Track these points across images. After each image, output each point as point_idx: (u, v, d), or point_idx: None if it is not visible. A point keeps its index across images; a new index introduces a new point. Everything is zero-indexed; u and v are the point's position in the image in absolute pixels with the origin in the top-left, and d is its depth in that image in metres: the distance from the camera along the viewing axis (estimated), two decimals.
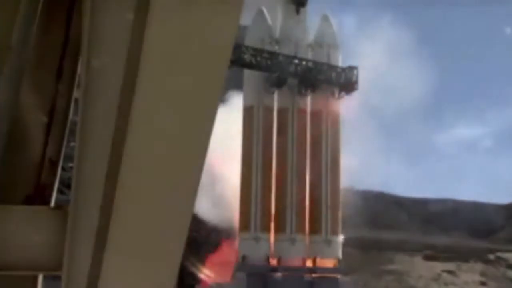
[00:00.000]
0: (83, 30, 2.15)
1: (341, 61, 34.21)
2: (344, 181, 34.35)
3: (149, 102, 1.81)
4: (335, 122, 33.56)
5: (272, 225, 32.26)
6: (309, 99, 33.39)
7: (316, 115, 33.22)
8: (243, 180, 32.80)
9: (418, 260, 49.87)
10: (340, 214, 33.06)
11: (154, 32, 1.68)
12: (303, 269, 32.43)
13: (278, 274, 32.04)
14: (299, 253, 32.22)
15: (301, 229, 32.45)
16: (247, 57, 32.04)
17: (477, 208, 61.84)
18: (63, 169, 3.01)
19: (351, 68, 33.64)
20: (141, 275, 2.15)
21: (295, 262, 32.42)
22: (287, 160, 32.80)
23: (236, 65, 30.63)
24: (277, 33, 33.98)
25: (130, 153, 1.90)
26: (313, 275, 32.38)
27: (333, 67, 33.39)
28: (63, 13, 2.67)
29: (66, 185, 3.50)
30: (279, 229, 32.35)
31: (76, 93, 2.77)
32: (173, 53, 1.74)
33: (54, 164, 2.92)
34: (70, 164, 2.40)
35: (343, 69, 33.55)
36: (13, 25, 2.19)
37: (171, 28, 1.69)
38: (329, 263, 32.37)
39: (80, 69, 2.68)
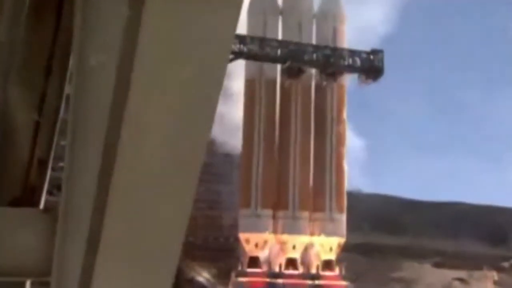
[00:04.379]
0: (74, 26, 2.16)
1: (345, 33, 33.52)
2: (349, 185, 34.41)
3: (144, 100, 1.82)
4: (341, 97, 33.31)
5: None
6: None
7: (321, 90, 32.96)
8: (244, 155, 32.78)
9: (427, 267, 49.80)
10: (344, 191, 32.96)
11: (149, 27, 1.69)
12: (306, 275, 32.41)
13: (280, 281, 32.05)
14: (302, 231, 32.13)
15: (304, 207, 32.35)
16: (252, 47, 31.58)
17: (492, 212, 61.74)
18: (52, 169, 3.01)
19: (376, 52, 32.64)
20: (135, 281, 2.16)
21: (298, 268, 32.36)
22: (290, 136, 32.68)
23: (240, 58, 30.35)
24: (280, 3, 33.45)
25: (124, 152, 1.90)
26: (316, 282, 32.38)
27: (355, 52, 32.52)
28: (52, 8, 2.67)
29: (55, 186, 3.51)
30: (282, 206, 32.26)
31: (67, 90, 2.78)
32: (170, 49, 1.75)
33: (43, 164, 2.93)
34: (60, 164, 2.41)
35: (368, 54, 32.48)
36: None
37: (168, 23, 1.70)
38: (333, 242, 32.16)
39: (71, 65, 2.69)
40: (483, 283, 48.01)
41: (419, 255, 50.09)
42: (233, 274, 33.41)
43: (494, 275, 48.50)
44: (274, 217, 32.49)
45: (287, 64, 31.64)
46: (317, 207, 32.69)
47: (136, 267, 2.14)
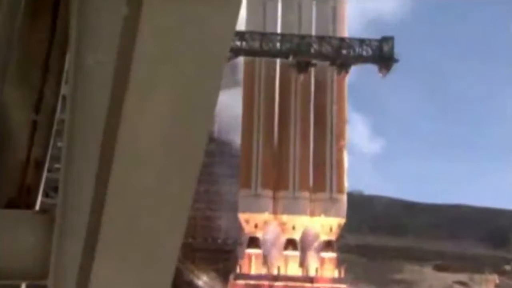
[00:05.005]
0: (71, 25, 2.15)
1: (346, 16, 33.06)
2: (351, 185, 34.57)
3: (141, 99, 1.81)
4: (342, 77, 33.19)
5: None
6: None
7: (322, 70, 32.83)
8: (244, 135, 32.84)
9: (428, 270, 49.84)
10: (345, 172, 32.99)
11: (147, 26, 1.68)
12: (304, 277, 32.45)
13: (279, 284, 32.10)
14: (302, 211, 32.21)
15: (304, 187, 32.41)
16: (251, 44, 31.34)
17: (492, 214, 61.79)
18: (49, 170, 3.00)
19: (386, 40, 31.98)
20: (133, 283, 2.15)
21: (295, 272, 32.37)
22: (290, 116, 32.69)
23: (240, 55, 30.14)
24: None
25: (122, 153, 1.90)
26: (315, 285, 32.43)
27: (364, 41, 31.97)
28: (49, 7, 2.67)
29: (52, 187, 3.50)
30: (282, 186, 32.35)
31: (64, 90, 2.77)
32: (167, 48, 1.74)
33: (39, 165, 2.92)
34: (57, 165, 2.40)
35: (378, 42, 31.78)
36: None
37: (166, 22, 1.69)
38: (333, 222, 32.19)
39: (68, 65, 2.68)
40: (484, 286, 48.03)
41: (420, 257, 50.15)
42: (231, 277, 33.42)
43: (496, 278, 48.51)
44: (274, 197, 32.62)
45: (293, 59, 31.43)
46: (317, 188, 32.79)
47: (134, 268, 2.13)
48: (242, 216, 32.96)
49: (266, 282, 32.32)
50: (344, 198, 33.11)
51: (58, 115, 2.88)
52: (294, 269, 32.72)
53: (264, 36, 31.91)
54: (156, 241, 2.09)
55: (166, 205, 2.04)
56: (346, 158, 33.58)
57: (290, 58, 31.55)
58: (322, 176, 32.81)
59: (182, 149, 1.94)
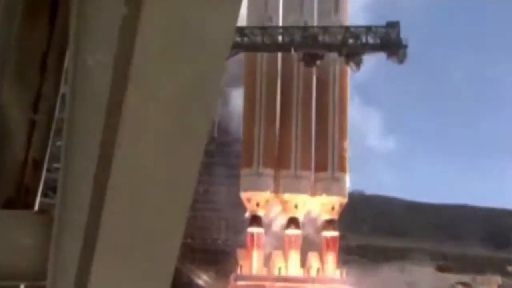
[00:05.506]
0: (70, 22, 2.16)
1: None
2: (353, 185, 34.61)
3: (141, 99, 1.82)
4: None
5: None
6: None
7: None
8: (245, 115, 32.88)
9: (429, 270, 49.83)
10: (347, 151, 32.99)
11: (147, 25, 1.68)
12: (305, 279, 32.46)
13: (279, 285, 32.12)
14: (304, 190, 32.29)
15: (306, 166, 32.48)
16: (253, 39, 31.18)
17: (495, 214, 61.80)
18: (47, 170, 3.01)
19: (392, 25, 31.02)
20: (132, 284, 2.16)
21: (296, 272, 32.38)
22: (292, 95, 32.67)
23: (242, 50, 29.98)
24: None
25: (121, 153, 1.90)
26: (317, 285, 32.45)
27: (370, 28, 31.32)
28: (47, 6, 2.67)
29: (50, 187, 3.50)
30: (283, 165, 32.42)
31: (63, 89, 2.78)
32: (168, 47, 1.75)
33: (38, 164, 2.92)
34: (56, 165, 2.40)
35: (385, 28, 31.13)
36: None
37: (166, 21, 1.70)
38: (335, 202, 32.20)
39: (67, 64, 2.69)
40: (487, 287, 48.01)
41: (421, 258, 50.13)
42: (231, 278, 33.43)
43: (498, 279, 48.51)
44: (275, 176, 32.72)
45: (296, 51, 31.26)
46: (319, 167, 32.85)
47: (133, 269, 2.14)
48: (244, 195, 33.09)
49: (266, 283, 32.33)
50: (346, 177, 33.20)
51: (57, 114, 2.88)
52: (295, 270, 32.76)
53: (265, 30, 31.75)
54: (156, 242, 2.10)
55: (166, 205, 2.05)
56: (348, 138, 33.62)
57: (292, 51, 31.41)
58: (324, 155, 32.89)
59: (181, 149, 1.95)
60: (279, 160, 32.76)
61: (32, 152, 2.88)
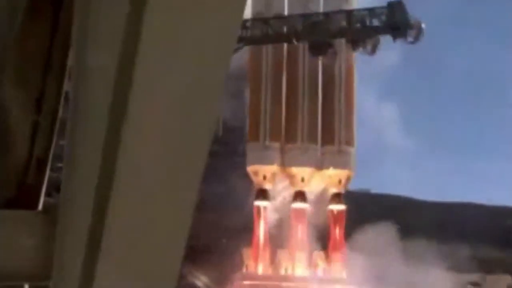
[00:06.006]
0: (74, 20, 2.17)
1: None
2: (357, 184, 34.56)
3: (145, 99, 1.83)
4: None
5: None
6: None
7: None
8: (252, 87, 32.88)
9: (438, 270, 49.71)
10: (354, 124, 32.99)
11: (151, 24, 1.69)
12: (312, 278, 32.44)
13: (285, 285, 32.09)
14: (311, 164, 32.31)
15: (313, 139, 32.55)
16: (256, 32, 31.01)
17: (505, 213, 61.60)
18: (51, 169, 3.02)
19: (393, 4, 30.08)
20: (137, 285, 2.17)
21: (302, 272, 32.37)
22: (298, 68, 32.62)
23: (246, 44, 29.84)
24: None
25: (125, 153, 1.91)
26: (322, 285, 32.40)
27: (372, 10, 30.79)
28: (50, 5, 2.68)
29: (54, 187, 3.52)
30: (290, 139, 32.51)
31: (66, 87, 2.79)
32: (172, 47, 1.75)
33: (41, 163, 2.93)
34: (59, 164, 2.41)
35: (387, 9, 30.08)
36: None
37: (170, 20, 1.71)
38: (342, 175, 32.20)
39: (70, 63, 2.70)
40: (497, 287, 47.89)
41: (430, 258, 49.98)
42: (236, 277, 33.45)
43: (509, 278, 48.40)
44: (282, 150, 32.80)
45: (299, 42, 31.13)
46: (326, 140, 32.92)
47: (139, 270, 2.15)
48: (250, 169, 33.16)
49: (272, 282, 32.33)
50: (353, 151, 33.23)
51: (60, 114, 2.89)
52: (301, 269, 32.77)
53: (267, 21, 31.59)
54: (161, 242, 2.11)
55: (171, 206, 2.05)
56: (355, 112, 33.60)
57: (294, 41, 31.30)
58: (331, 129, 32.93)
59: (186, 149, 1.96)
60: (286, 134, 32.87)
61: (36, 152, 2.90)
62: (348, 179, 32.94)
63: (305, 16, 31.39)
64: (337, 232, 32.96)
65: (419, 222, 58.94)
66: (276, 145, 32.61)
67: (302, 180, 32.55)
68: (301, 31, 30.69)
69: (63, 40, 2.72)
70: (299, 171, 32.52)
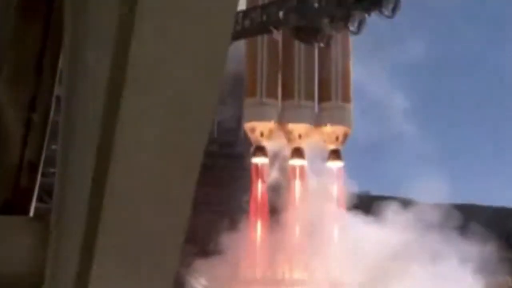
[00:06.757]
0: (65, 22, 2.16)
1: None
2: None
3: (138, 100, 1.82)
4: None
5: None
6: None
7: None
8: (248, 45, 32.92)
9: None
10: (351, 80, 33.17)
11: (144, 24, 1.69)
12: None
13: None
14: (308, 120, 32.44)
15: (310, 96, 32.67)
16: (246, 23, 31.19)
17: (506, 214, 61.65)
18: (43, 174, 3.01)
19: None
20: None
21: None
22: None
23: (240, 37, 29.93)
24: None
25: (119, 155, 1.90)
26: None
27: None
28: (42, 5, 2.67)
29: (46, 192, 3.51)
30: (287, 95, 32.65)
31: (58, 90, 2.78)
32: (165, 47, 1.75)
33: (33, 166, 2.92)
34: (52, 170, 2.40)
35: None
36: None
37: (163, 20, 1.70)
38: (339, 131, 32.34)
39: (62, 65, 2.69)
40: None
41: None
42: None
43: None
44: (279, 107, 32.95)
45: (279, 30, 31.27)
46: (323, 97, 33.07)
47: (133, 275, 2.14)
48: (247, 126, 33.26)
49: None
50: (351, 107, 33.38)
51: (52, 116, 2.88)
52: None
53: (245, 13, 31.89)
54: (156, 246, 2.10)
55: (166, 209, 2.05)
56: (352, 68, 33.80)
57: (275, 32, 31.49)
58: (328, 85, 33.09)
59: (181, 151, 1.95)
60: (282, 91, 33.01)
61: (28, 154, 2.89)
62: (345, 135, 33.18)
63: (282, 2, 31.61)
64: (336, 190, 33.02)
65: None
66: (273, 101, 32.74)
67: (299, 137, 32.73)
68: (281, 19, 30.77)
69: (55, 42, 2.71)
70: (296, 128, 32.66)
